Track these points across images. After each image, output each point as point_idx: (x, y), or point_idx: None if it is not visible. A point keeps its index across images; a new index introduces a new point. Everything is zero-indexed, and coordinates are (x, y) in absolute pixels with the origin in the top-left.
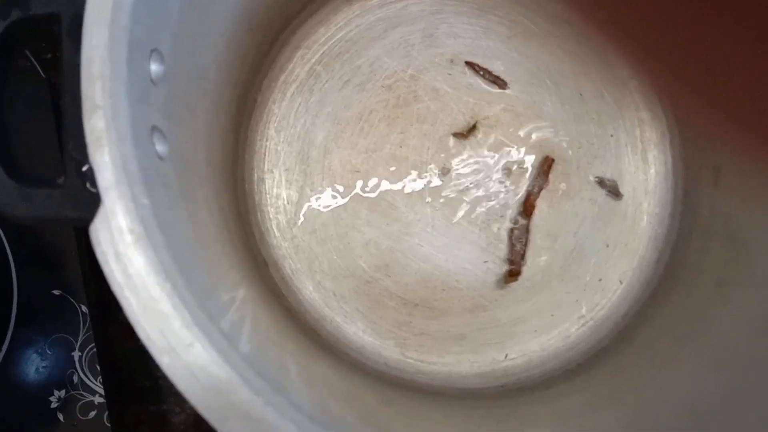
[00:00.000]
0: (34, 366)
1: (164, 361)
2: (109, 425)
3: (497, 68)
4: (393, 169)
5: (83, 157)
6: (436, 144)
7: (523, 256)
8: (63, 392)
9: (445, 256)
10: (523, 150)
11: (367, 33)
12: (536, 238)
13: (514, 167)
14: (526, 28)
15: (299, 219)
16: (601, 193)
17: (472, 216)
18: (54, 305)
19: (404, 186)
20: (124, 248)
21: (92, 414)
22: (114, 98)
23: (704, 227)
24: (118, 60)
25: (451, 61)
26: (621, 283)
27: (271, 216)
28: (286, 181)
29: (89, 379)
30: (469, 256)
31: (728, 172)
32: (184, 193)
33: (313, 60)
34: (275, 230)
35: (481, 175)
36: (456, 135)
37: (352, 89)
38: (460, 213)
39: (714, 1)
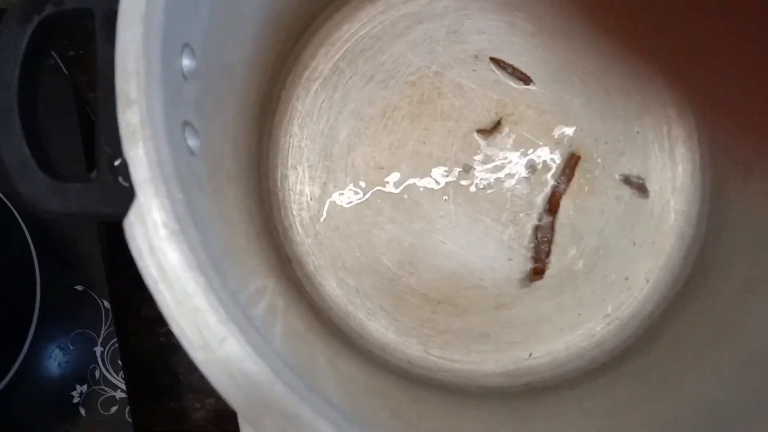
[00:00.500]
0: (56, 361)
1: (199, 356)
2: (130, 420)
3: (522, 65)
4: (416, 165)
5: (116, 151)
6: (460, 141)
7: (548, 254)
8: (85, 387)
9: (469, 254)
10: (548, 147)
11: (391, 29)
12: (561, 236)
13: (539, 164)
14: (552, 24)
15: (322, 215)
16: (627, 190)
17: (497, 213)
18: (76, 301)
19: (428, 183)
20: (159, 243)
21: (114, 409)
22: (148, 93)
23: (734, 226)
24: (153, 55)
25: (476, 57)
26: (647, 281)
27: (294, 212)
28: (310, 177)
29: (111, 374)
30: (493, 253)
31: (760, 170)
32: (214, 188)
33: (337, 57)
34: (298, 227)
35: (506, 172)
36: (480, 132)
37: (376, 86)
38: (484, 210)
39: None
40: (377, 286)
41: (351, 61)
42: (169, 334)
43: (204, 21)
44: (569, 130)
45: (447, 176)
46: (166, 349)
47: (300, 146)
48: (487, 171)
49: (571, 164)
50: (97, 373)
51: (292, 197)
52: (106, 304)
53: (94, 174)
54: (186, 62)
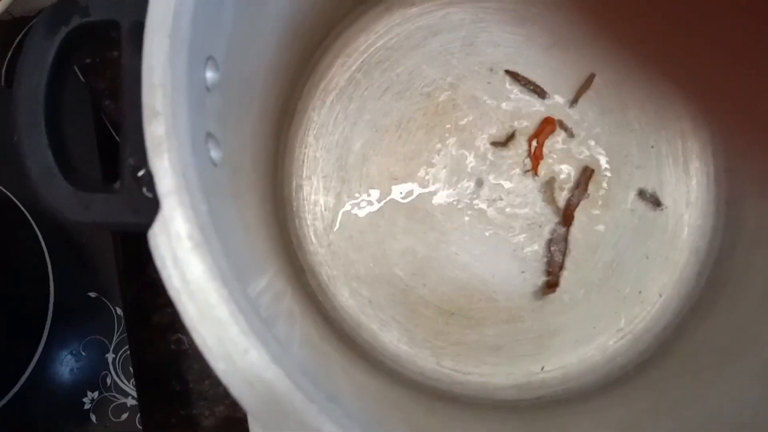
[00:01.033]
0: (68, 367)
1: (220, 367)
2: (141, 427)
3: (537, 77)
4: (431, 177)
5: (140, 162)
6: (475, 153)
7: (561, 268)
8: (96, 394)
9: (483, 266)
10: (562, 160)
11: (407, 41)
12: (575, 249)
13: (554, 177)
14: (567, 38)
15: (336, 226)
16: (641, 204)
17: (510, 225)
18: (89, 307)
19: (442, 194)
20: (183, 254)
21: (124, 416)
22: (174, 105)
23: (749, 240)
24: (178, 68)
25: (491, 69)
26: (661, 296)
27: (308, 222)
28: (324, 188)
29: (122, 381)
30: (506, 266)
31: None
32: (235, 199)
33: (353, 68)
34: (312, 237)
35: (520, 184)
36: (494, 144)
37: (391, 97)
38: (498, 222)
39: (751, 19)
40: (390, 297)
41: (367, 72)
42: (180, 341)
43: (227, 34)
44: (583, 144)
45: (461, 188)
46: (176, 357)
47: (315, 156)
48: (500, 183)
49: (585, 177)
50: (108, 380)
51: (306, 207)
52: (119, 311)
53: (117, 184)
54: (209, 74)
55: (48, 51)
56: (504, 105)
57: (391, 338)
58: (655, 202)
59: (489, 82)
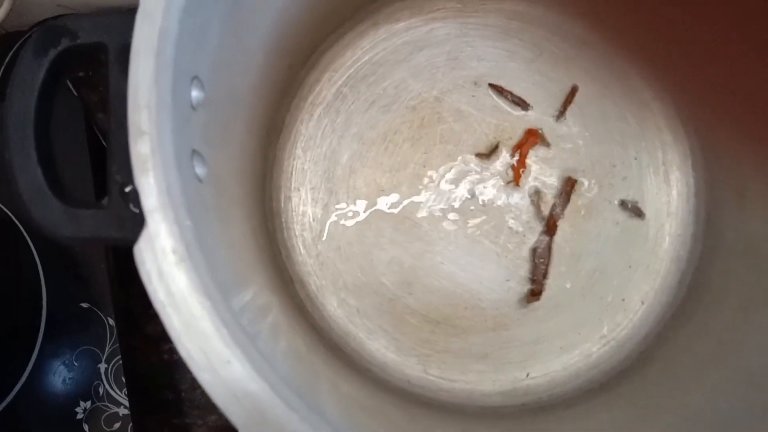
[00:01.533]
0: (61, 377)
1: (204, 377)
2: None
3: (520, 90)
4: (416, 188)
5: (127, 179)
6: (460, 164)
7: (545, 276)
8: (89, 403)
9: (468, 275)
10: (545, 171)
11: (393, 56)
12: (558, 259)
13: (537, 188)
14: (550, 51)
15: (324, 236)
16: (623, 214)
17: (495, 235)
18: (81, 318)
19: (427, 205)
20: (168, 268)
21: (117, 425)
22: (159, 125)
23: (728, 249)
24: (164, 88)
25: (475, 83)
26: (643, 303)
27: (297, 233)
28: (312, 199)
29: (114, 391)
30: (491, 274)
31: (753, 194)
32: (220, 214)
33: (340, 82)
34: (301, 247)
35: (504, 195)
36: (479, 155)
37: (378, 110)
38: (483, 232)
39: (736, 30)
40: (377, 306)
41: (353, 86)
42: (172, 351)
43: (212, 54)
44: (566, 155)
45: (446, 198)
46: (169, 366)
47: (303, 168)
48: (485, 194)
49: (567, 188)
50: (101, 390)
51: (294, 218)
52: (111, 321)
53: (105, 200)
54: (195, 93)
55: (38, 72)
56: (488, 117)
57: (378, 346)
58: (637, 212)
59: (473, 96)
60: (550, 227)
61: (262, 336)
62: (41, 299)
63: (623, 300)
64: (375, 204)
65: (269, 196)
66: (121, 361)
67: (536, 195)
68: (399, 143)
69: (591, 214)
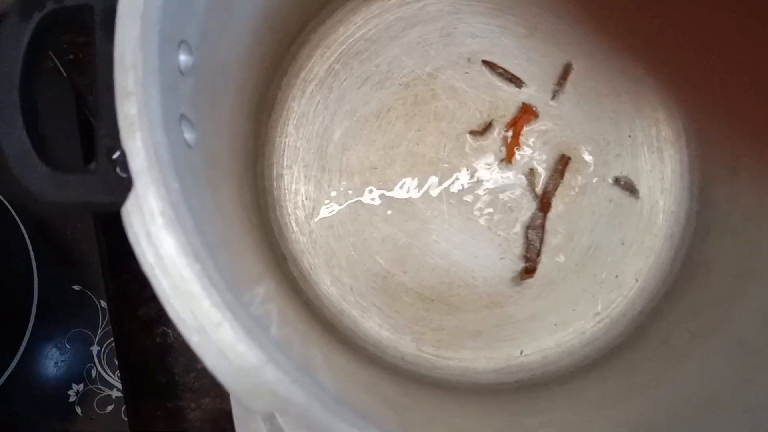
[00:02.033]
0: (53, 360)
1: (194, 339)
2: (126, 419)
3: (514, 67)
4: (410, 166)
5: (114, 143)
6: (453, 142)
7: (538, 254)
8: (81, 386)
9: (462, 253)
10: (539, 148)
11: (386, 32)
12: (552, 236)
13: (531, 165)
14: (543, 28)
15: (317, 214)
16: (617, 191)
17: (489, 213)
18: (73, 300)
19: (421, 183)
20: (156, 230)
21: (110, 408)
22: (145, 86)
23: (721, 223)
24: (150, 49)
25: (469, 60)
26: (637, 280)
27: (289, 211)
28: (305, 177)
29: (107, 373)
30: (485, 252)
31: (745, 168)
32: (210, 183)
33: (332, 58)
34: (293, 225)
35: (497, 172)
36: (473, 133)
37: (371, 87)
38: (477, 210)
39: (723, 7)
40: (371, 284)
41: (346, 63)
42: (166, 334)
43: (200, 20)
44: (560, 132)
45: (440, 176)
46: (162, 350)
47: (295, 146)
48: (479, 172)
49: (561, 165)
50: (93, 372)
51: (287, 196)
52: (103, 303)
53: (92, 165)
54: (183, 58)
55: (23, 36)
56: (482, 95)
57: (373, 324)
58: (631, 189)
59: (467, 72)
60: (544, 204)
61: (254, 303)
62: (32, 282)
63: (617, 277)
64: (368, 182)
65: (261, 172)
66: (113, 344)
67: (530, 172)
68: (392, 120)
69: (585, 191)
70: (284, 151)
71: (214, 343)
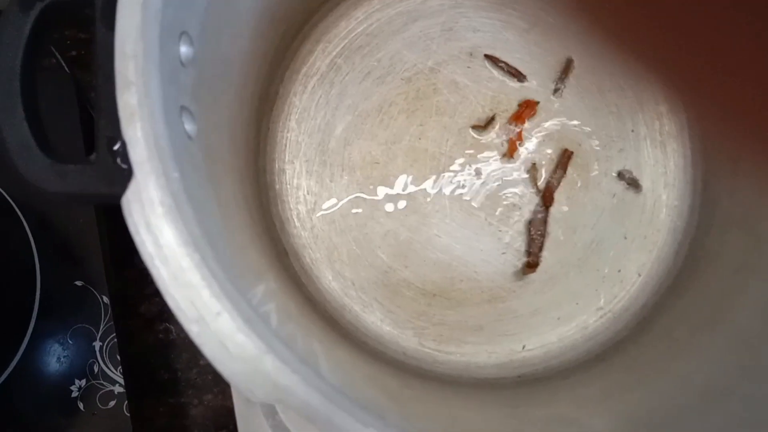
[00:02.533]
0: (55, 356)
1: (193, 329)
2: (128, 414)
3: (516, 61)
4: (412, 160)
5: (115, 134)
6: (455, 136)
7: (541, 248)
8: (83, 382)
9: (464, 247)
10: (541, 142)
11: (387, 27)
12: (555, 230)
13: (533, 159)
14: (545, 21)
15: (319, 209)
16: (620, 185)
17: (491, 207)
18: (76, 296)
19: (423, 178)
20: (155, 220)
21: (112, 403)
22: (146, 76)
23: (723, 217)
24: (151, 39)
25: (471, 54)
26: (639, 275)
27: (291, 206)
28: (307, 171)
29: (109, 369)
30: (487, 247)
31: (747, 164)
32: (210, 175)
33: (334, 53)
34: (295, 220)
35: (499, 167)
36: (475, 127)
37: (372, 82)
38: (479, 204)
39: (726, 5)
40: (373, 279)
41: (348, 57)
42: (168, 331)
43: (201, 11)
44: (563, 126)
45: (442, 171)
46: (164, 346)
47: (297, 141)
48: (481, 166)
49: (564, 159)
50: (95, 368)
51: (289, 191)
52: (105, 299)
53: (93, 156)
54: (184, 49)
55: (24, 26)
56: (484, 89)
57: (374, 319)
58: (634, 184)
59: (469, 67)
60: (546, 199)
61: (255, 296)
62: (35, 278)
63: (619, 271)
64: (370, 177)
65: (263, 167)
66: (116, 340)
67: (532, 167)
68: (394, 115)
69: (587, 185)
70: (286, 145)
71: (214, 333)
